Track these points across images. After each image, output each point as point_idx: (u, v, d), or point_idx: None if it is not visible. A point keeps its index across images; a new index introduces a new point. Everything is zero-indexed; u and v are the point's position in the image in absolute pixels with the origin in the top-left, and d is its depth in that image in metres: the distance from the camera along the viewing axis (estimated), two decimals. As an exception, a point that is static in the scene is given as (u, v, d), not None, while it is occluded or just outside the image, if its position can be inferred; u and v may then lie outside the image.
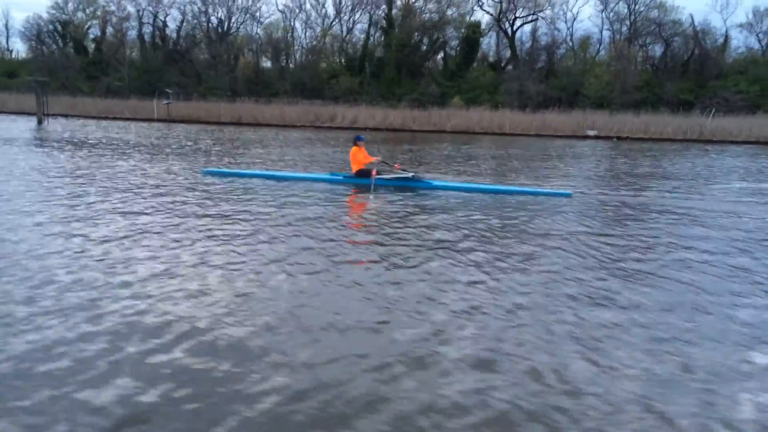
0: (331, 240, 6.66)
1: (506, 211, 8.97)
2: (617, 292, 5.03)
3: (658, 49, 53.65)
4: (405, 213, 8.59)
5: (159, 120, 36.17)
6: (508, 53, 59.15)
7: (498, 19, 56.34)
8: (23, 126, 28.42)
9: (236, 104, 41.60)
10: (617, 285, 5.23)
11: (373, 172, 10.92)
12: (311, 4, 63.19)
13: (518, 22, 56.22)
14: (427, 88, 53.10)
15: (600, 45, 56.78)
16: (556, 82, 51.66)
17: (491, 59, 60.24)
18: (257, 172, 12.49)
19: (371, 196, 9.88)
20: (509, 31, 56.62)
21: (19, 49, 68.43)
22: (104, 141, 21.08)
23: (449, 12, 58.61)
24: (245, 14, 62.75)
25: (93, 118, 37.48)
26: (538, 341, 3.97)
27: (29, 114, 35.64)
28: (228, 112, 37.52)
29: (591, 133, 31.74)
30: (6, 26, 67.67)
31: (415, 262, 5.79)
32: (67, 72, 57.52)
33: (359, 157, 11.20)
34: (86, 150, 17.10)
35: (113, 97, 50.77)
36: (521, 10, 55.24)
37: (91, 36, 63.34)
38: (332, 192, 10.36)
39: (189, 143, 21.81)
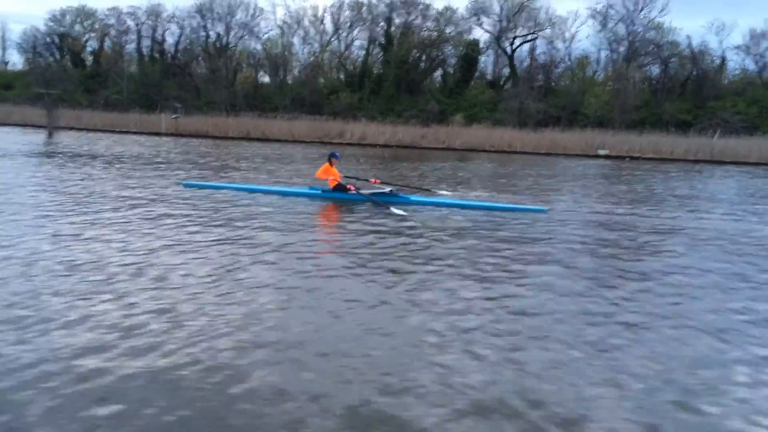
0: (306, 256, 6.79)
1: (481, 226, 9.21)
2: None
3: (655, 70, 54.39)
4: (380, 229, 8.67)
5: (167, 134, 35.84)
6: (505, 71, 59.77)
7: (497, 38, 56.79)
8: (34, 139, 28.02)
9: (244, 119, 41.35)
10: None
11: (350, 187, 11.15)
12: (309, 21, 63.22)
13: (517, 41, 56.66)
14: (427, 105, 53.34)
15: (598, 65, 57.47)
16: (556, 100, 52.11)
17: (489, 77, 60.70)
18: (236, 185, 12.70)
19: (393, 209, 10.01)
20: (509, 49, 57.07)
21: (16, 61, 67.56)
22: (126, 156, 20.79)
23: (447, 30, 59.10)
24: (244, 30, 62.69)
25: (99, 131, 37.06)
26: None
27: (34, 126, 35.23)
28: (235, 127, 37.30)
29: (602, 152, 31.97)
30: (2, 38, 66.91)
31: (383, 282, 5.83)
32: (64, 84, 56.83)
33: (332, 172, 11.42)
34: (116, 165, 16.84)
35: (111, 110, 50.34)
36: (521, 29, 55.73)
37: (89, 49, 62.82)
38: (308, 206, 10.63)
39: (211, 159, 21.59)
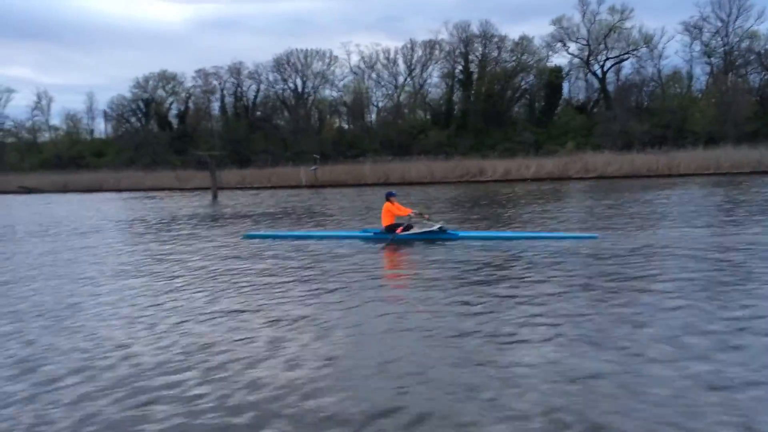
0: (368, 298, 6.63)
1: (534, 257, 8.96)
2: None
3: (757, 79, 52.87)
4: (433, 267, 8.57)
5: (308, 186, 34.94)
6: (590, 94, 58.82)
7: (587, 62, 55.94)
8: (201, 202, 27.00)
9: (379, 164, 40.40)
10: None
11: (398, 230, 11.21)
12: (382, 64, 62.87)
13: (608, 63, 55.73)
14: (520, 135, 52.21)
15: (692, 79, 56.15)
16: (658, 120, 50.63)
17: (575, 103, 59.70)
18: (291, 233, 13.00)
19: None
20: (599, 72, 56.14)
21: (101, 129, 68.33)
22: (310, 211, 18.89)
23: (525, 58, 58.36)
24: (320, 78, 62.60)
25: (235, 188, 36.26)
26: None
27: (167, 189, 34.50)
28: (371, 173, 36.35)
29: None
30: (90, 108, 67.99)
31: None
32: (154, 147, 56.92)
33: (393, 210, 11.45)
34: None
35: (202, 169, 49.86)
36: (612, 50, 54.88)
37: (174, 111, 63.20)
38: (361, 248, 10.52)
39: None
